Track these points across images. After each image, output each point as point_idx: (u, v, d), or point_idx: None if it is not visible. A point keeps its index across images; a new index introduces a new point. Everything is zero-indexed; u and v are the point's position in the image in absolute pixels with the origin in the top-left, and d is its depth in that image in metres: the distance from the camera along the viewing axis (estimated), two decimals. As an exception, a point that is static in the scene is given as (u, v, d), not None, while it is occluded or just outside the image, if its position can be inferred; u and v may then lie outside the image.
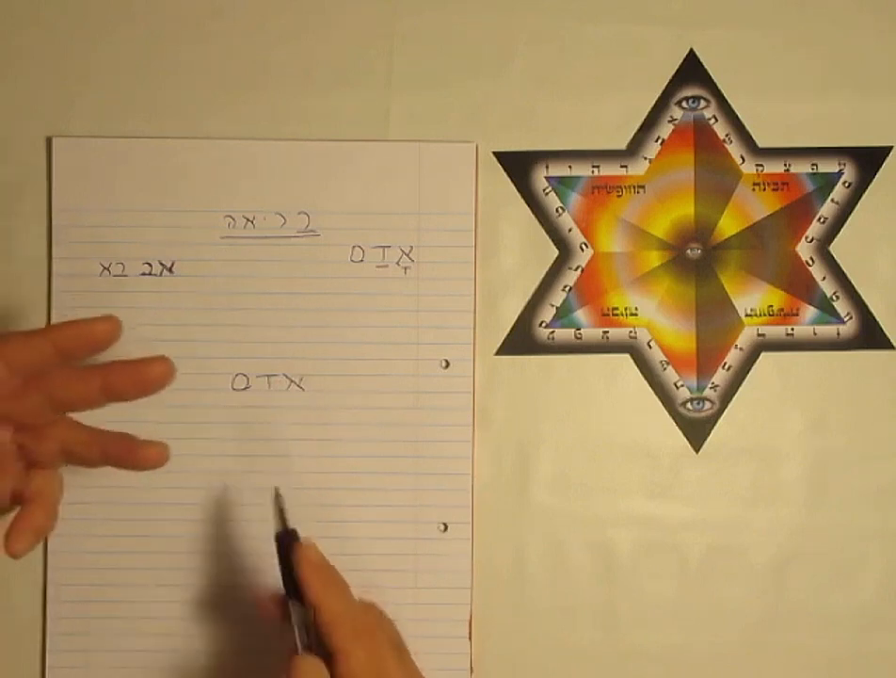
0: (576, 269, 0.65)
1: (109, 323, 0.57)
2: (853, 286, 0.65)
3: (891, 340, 0.65)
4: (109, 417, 0.63)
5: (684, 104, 0.65)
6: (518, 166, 0.65)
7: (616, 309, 0.65)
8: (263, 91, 0.65)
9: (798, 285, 0.65)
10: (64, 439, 0.58)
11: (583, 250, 0.65)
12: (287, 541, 0.57)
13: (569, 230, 0.65)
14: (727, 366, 0.65)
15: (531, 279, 0.65)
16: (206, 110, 0.65)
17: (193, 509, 0.64)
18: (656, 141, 0.65)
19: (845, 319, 0.65)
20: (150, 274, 0.64)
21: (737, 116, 0.65)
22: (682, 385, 0.65)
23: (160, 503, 0.64)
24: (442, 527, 0.64)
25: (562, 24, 0.65)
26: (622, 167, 0.65)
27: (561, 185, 0.65)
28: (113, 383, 0.57)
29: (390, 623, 0.60)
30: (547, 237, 0.65)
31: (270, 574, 0.63)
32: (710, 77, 0.65)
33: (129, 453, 0.58)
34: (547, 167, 0.65)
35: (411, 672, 0.58)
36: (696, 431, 0.65)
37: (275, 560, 0.57)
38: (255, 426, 0.64)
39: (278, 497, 0.59)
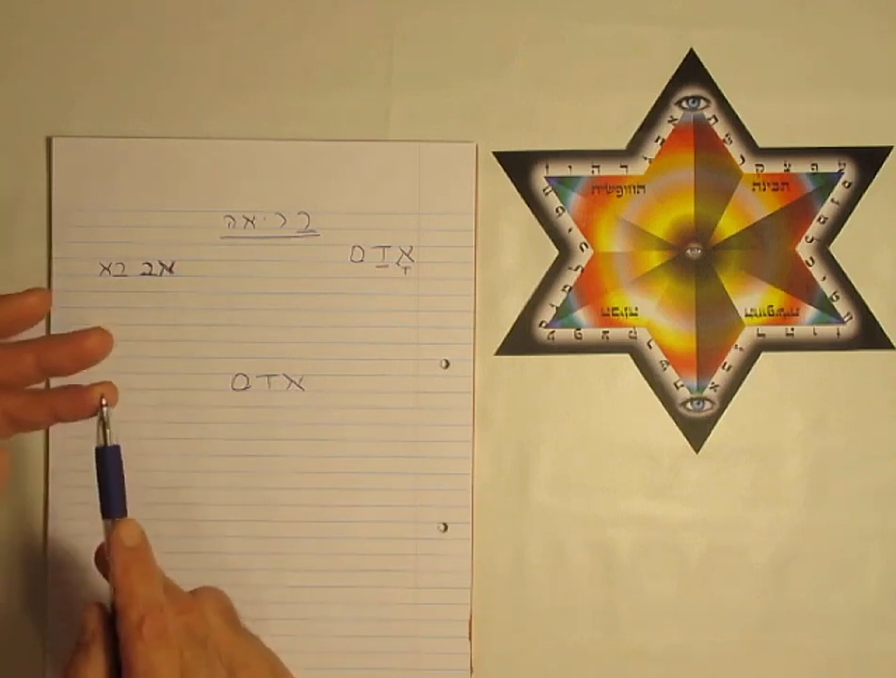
0: (576, 269, 0.65)
1: (37, 296, 0.57)
2: (853, 286, 0.65)
3: (891, 340, 0.65)
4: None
5: (684, 104, 0.65)
6: (518, 166, 0.65)
7: (616, 309, 0.65)
8: (263, 91, 0.65)
9: (798, 285, 0.65)
10: (5, 407, 0.56)
11: (583, 250, 0.65)
12: (105, 458, 0.55)
13: (569, 230, 0.65)
14: (727, 366, 0.65)
15: (531, 279, 0.65)
16: (206, 110, 0.65)
17: (193, 509, 0.64)
18: (656, 141, 0.65)
19: (845, 319, 0.65)
20: (150, 274, 0.64)
21: (737, 116, 0.65)
22: (682, 385, 0.65)
23: (160, 503, 0.64)
24: (442, 527, 0.64)
25: (562, 24, 0.65)
26: (622, 167, 0.65)
27: (561, 185, 0.65)
28: (48, 358, 0.56)
29: (217, 608, 0.56)
30: (547, 237, 0.65)
31: (270, 572, 0.64)
32: (710, 77, 0.65)
33: (77, 395, 0.56)
34: (547, 167, 0.65)
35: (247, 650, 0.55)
36: (696, 431, 0.65)
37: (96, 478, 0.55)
38: (255, 426, 0.64)
39: (102, 411, 0.55)
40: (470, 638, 0.64)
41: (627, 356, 0.65)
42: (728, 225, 0.65)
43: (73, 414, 0.56)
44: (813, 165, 0.65)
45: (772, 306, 0.65)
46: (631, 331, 0.65)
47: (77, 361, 0.56)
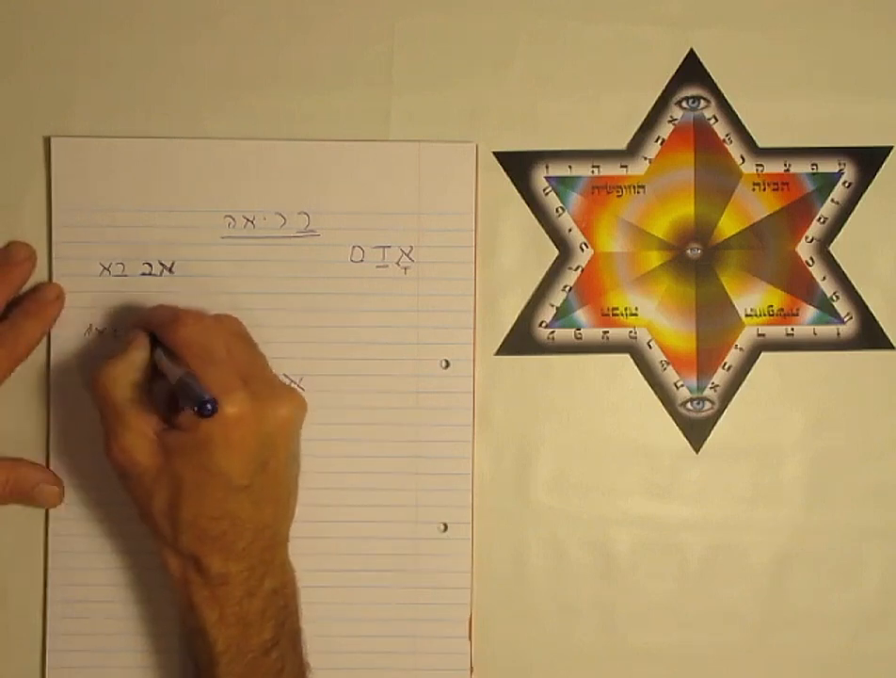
0: (576, 269, 0.65)
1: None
2: (853, 286, 0.65)
3: (891, 340, 0.65)
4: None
5: (684, 104, 0.65)
6: (518, 166, 0.65)
7: (616, 309, 0.65)
8: (263, 91, 0.65)
9: (798, 285, 0.65)
10: None
11: (583, 250, 0.65)
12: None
13: (569, 230, 0.65)
14: (727, 366, 0.65)
15: (531, 279, 0.65)
16: (206, 110, 0.65)
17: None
18: (656, 141, 0.65)
19: (845, 319, 0.65)
20: (150, 274, 0.64)
21: (737, 116, 0.65)
22: (682, 385, 0.65)
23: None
24: (442, 527, 0.64)
25: (562, 24, 0.65)
26: (622, 167, 0.65)
27: (561, 185, 0.65)
28: None
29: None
30: (547, 237, 0.65)
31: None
32: (710, 77, 0.65)
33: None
34: (547, 167, 0.65)
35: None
36: (696, 431, 0.65)
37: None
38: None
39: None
40: (470, 638, 0.64)
41: (627, 356, 0.65)
42: (728, 225, 0.65)
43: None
44: (813, 165, 0.65)
45: (772, 306, 0.65)
46: (631, 331, 0.65)
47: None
